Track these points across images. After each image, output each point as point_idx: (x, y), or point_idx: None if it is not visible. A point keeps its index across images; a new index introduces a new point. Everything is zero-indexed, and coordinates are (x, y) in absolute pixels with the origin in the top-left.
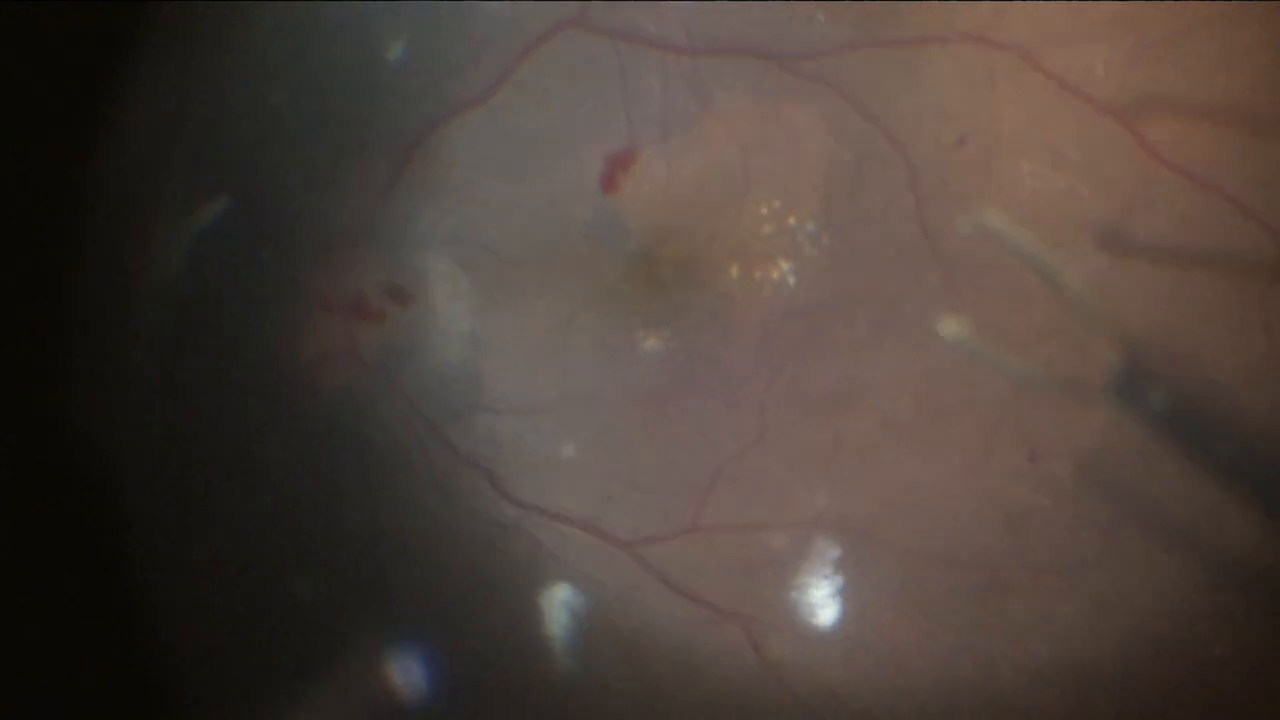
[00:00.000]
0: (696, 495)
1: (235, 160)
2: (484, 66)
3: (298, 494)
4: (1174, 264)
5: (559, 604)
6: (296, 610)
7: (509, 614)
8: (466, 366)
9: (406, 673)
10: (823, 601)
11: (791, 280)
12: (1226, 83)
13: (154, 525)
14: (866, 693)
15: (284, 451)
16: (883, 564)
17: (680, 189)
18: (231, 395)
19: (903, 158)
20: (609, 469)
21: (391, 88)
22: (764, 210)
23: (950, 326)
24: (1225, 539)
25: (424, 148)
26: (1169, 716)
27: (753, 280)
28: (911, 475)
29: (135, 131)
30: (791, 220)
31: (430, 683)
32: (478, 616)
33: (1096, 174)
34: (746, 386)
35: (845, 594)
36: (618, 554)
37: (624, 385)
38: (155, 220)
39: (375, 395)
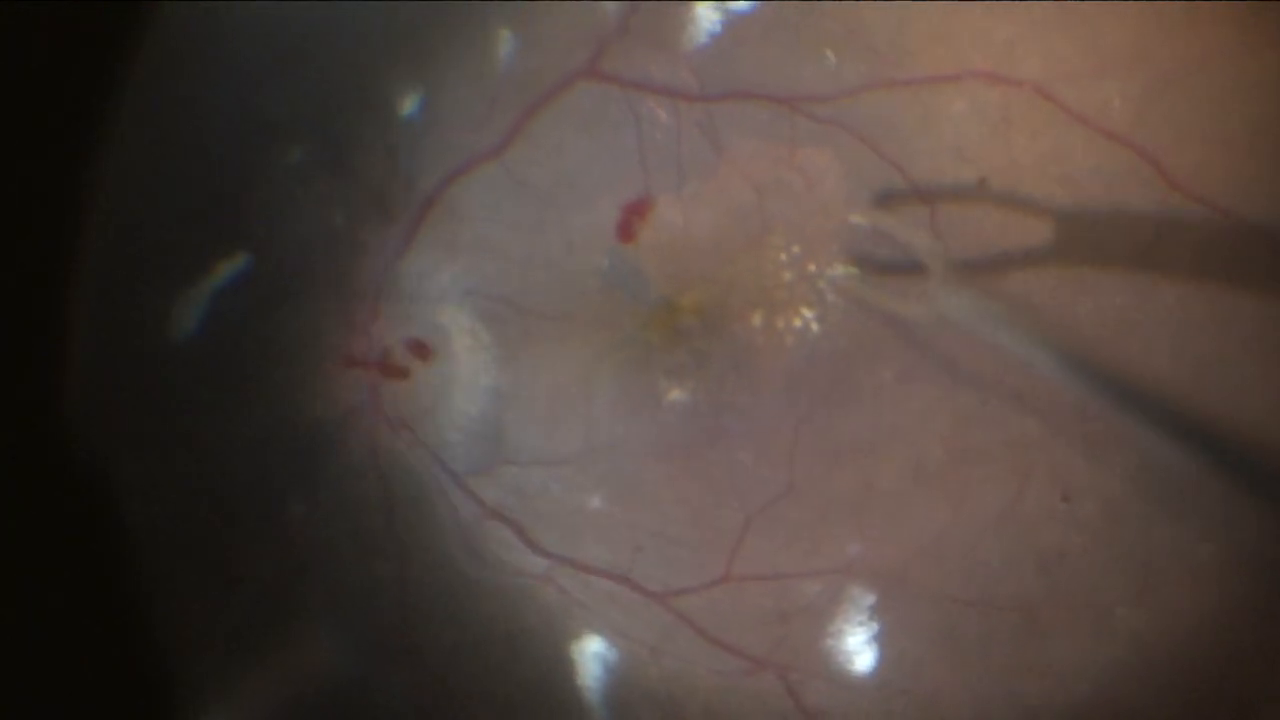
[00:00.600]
0: (727, 545)
1: (252, 218)
2: (497, 120)
3: (324, 549)
4: (1199, 294)
5: (591, 656)
6: (326, 667)
7: (540, 666)
8: (490, 419)
9: None
10: (858, 648)
11: (815, 327)
12: (1243, 111)
13: (178, 586)
14: None
15: (309, 508)
16: (918, 609)
17: (698, 236)
18: (255, 454)
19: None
20: (637, 520)
21: (406, 143)
22: (783, 257)
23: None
24: (1264, 573)
25: (440, 202)
26: None
27: (775, 328)
28: (944, 520)
29: (148, 189)
30: (812, 266)
31: None
32: (508, 669)
33: (1118, 208)
34: (774, 436)
35: (881, 640)
36: (649, 605)
37: (649, 436)
38: (173, 280)
39: (399, 450)
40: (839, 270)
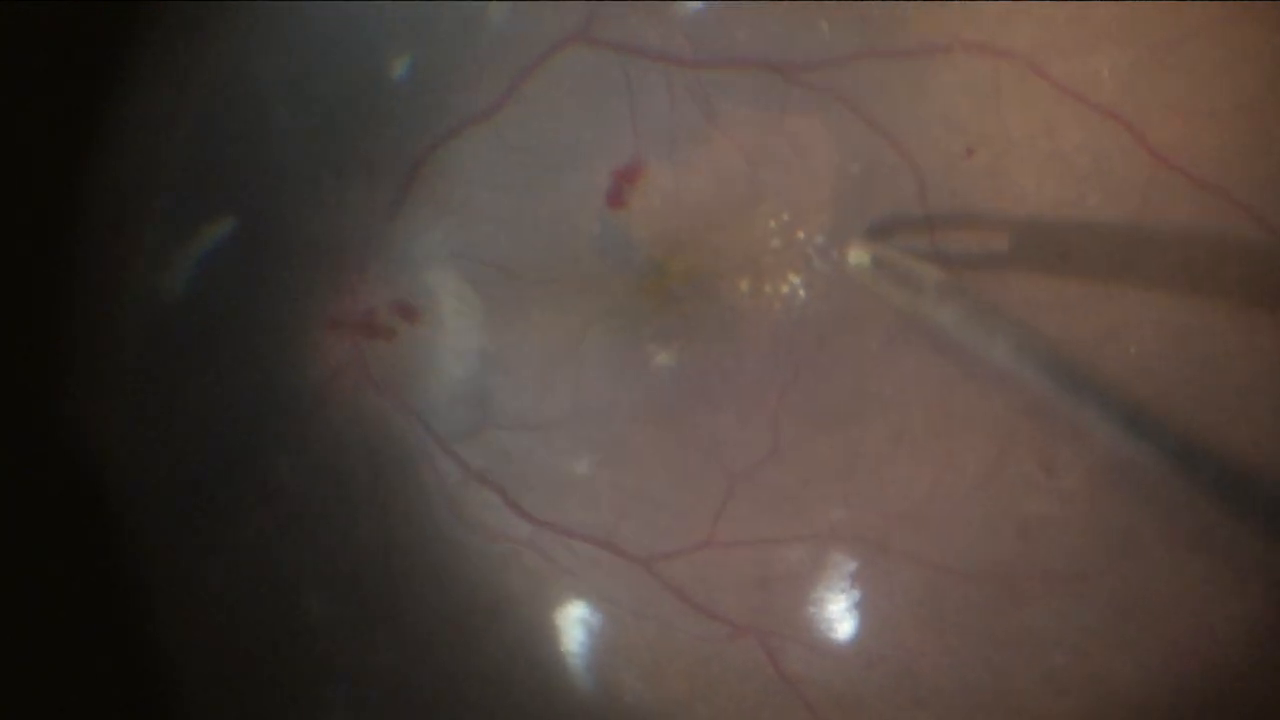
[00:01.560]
0: (711, 510)
1: (240, 179)
2: (488, 82)
3: (309, 513)
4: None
5: (574, 621)
6: (308, 628)
7: (523, 631)
8: (476, 383)
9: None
10: (839, 615)
11: (802, 294)
12: (1232, 85)
13: (163, 544)
14: (884, 705)
15: (294, 470)
16: (899, 576)
17: (688, 202)
18: (241, 415)
19: (910, 169)
20: (622, 484)
21: (396, 105)
22: (772, 223)
23: (856, 255)
24: (1242, 544)
25: (430, 164)
26: None
27: (763, 294)
28: (926, 487)
29: (134, 152)
30: (800, 234)
31: (443, 700)
32: (492, 633)
33: (1104, 180)
34: (759, 400)
35: (861, 607)
36: (633, 569)
37: (636, 400)
38: (159, 241)
39: (385, 413)
40: (853, 259)
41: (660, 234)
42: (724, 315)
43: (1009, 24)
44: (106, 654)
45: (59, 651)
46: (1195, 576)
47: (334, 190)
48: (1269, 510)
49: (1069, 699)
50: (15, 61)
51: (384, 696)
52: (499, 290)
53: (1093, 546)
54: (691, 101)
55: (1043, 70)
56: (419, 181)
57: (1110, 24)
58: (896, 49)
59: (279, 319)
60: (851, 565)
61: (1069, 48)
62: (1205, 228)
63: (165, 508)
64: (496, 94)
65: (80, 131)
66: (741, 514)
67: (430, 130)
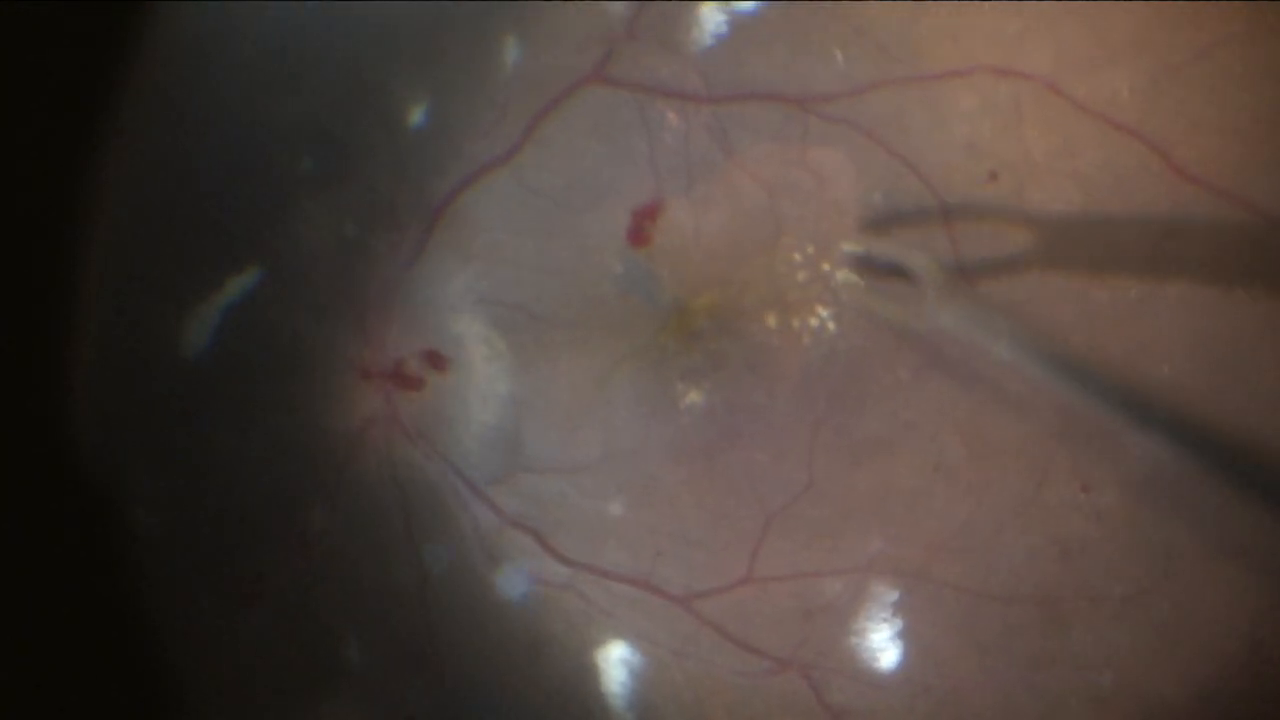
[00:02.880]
0: (748, 546)
1: (264, 229)
2: (506, 126)
3: (344, 562)
4: (1212, 283)
5: (614, 662)
6: (348, 675)
7: (563, 673)
8: (507, 428)
9: None
10: (882, 645)
11: (831, 327)
12: (1253, 100)
13: (200, 597)
14: None
15: (329, 521)
16: (940, 604)
17: (710, 238)
18: (271, 467)
19: (933, 195)
20: (657, 524)
21: (415, 152)
22: (797, 257)
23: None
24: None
25: (450, 210)
26: None
27: (791, 328)
28: (964, 514)
29: (156, 203)
30: (826, 266)
31: None
32: (532, 677)
33: (1129, 199)
34: (791, 435)
35: (904, 636)
36: (672, 609)
37: (667, 440)
38: (184, 293)
39: (417, 461)
40: (841, 278)
41: (683, 271)
42: (752, 351)
43: (1027, 46)
44: (142, 709)
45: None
46: (1241, 591)
47: (356, 239)
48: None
49: (1115, 718)
50: (35, 114)
51: None
52: (525, 335)
53: (1135, 565)
54: (709, 137)
55: (1063, 91)
56: (440, 228)
57: (1129, 42)
58: (914, 76)
59: (307, 369)
60: (892, 596)
61: (1088, 67)
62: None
63: (199, 562)
64: (514, 137)
65: (101, 181)
66: (779, 549)
67: (449, 176)
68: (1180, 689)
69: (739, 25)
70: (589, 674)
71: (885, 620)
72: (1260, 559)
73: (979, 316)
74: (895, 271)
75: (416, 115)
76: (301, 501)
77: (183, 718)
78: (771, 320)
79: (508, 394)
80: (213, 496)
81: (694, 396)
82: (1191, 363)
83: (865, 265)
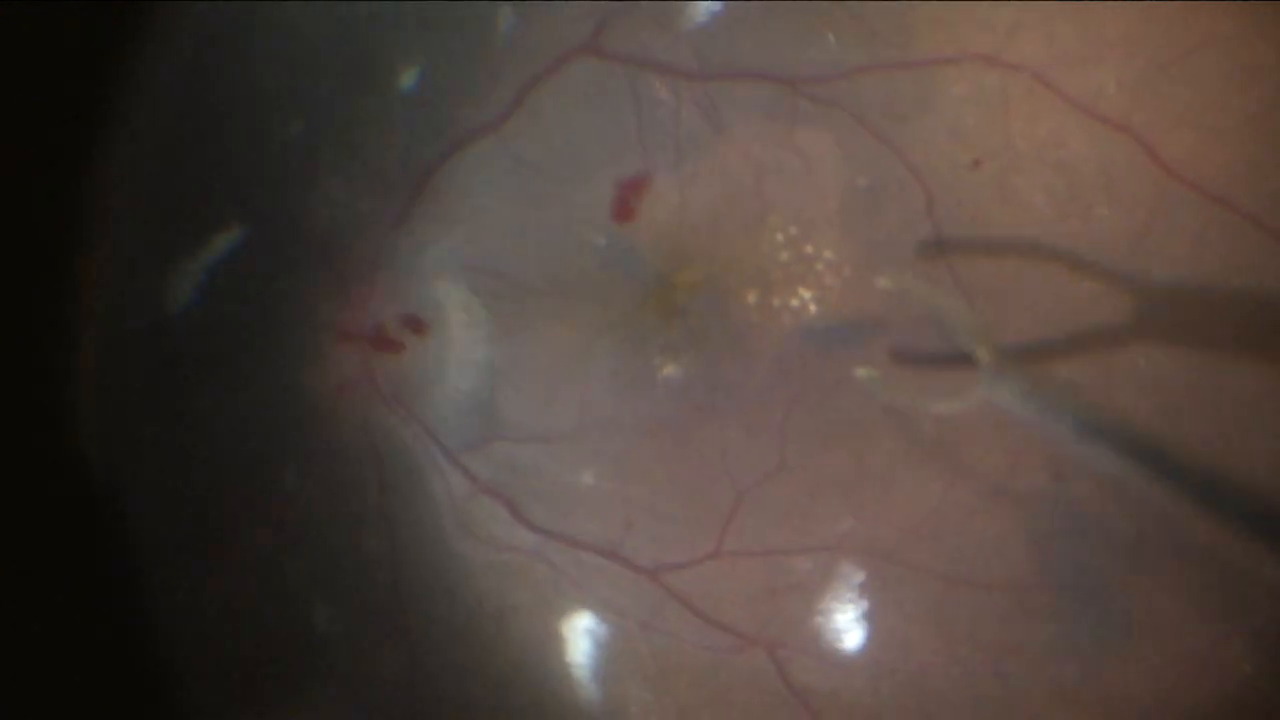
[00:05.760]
0: (718, 521)
1: (250, 189)
2: (497, 94)
3: (316, 524)
4: (1192, 280)
5: (580, 631)
6: (315, 638)
7: (530, 641)
8: (483, 395)
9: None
10: (848, 626)
11: (812, 309)
12: (1239, 99)
13: (170, 555)
14: (892, 717)
15: (303, 482)
16: (907, 587)
17: (695, 214)
18: (249, 426)
19: (918, 181)
20: (629, 496)
21: (405, 116)
22: (780, 237)
23: (862, 371)
24: (1252, 556)
25: (438, 176)
26: None
27: (771, 307)
28: (935, 498)
29: (146, 162)
30: (809, 248)
31: (448, 710)
32: (498, 643)
33: (1112, 193)
34: (766, 413)
35: (870, 618)
36: (640, 580)
37: (642, 412)
38: (169, 249)
39: (393, 425)
40: (862, 374)
41: (667, 246)
42: (731, 328)
43: (1017, 37)
44: (110, 663)
45: (63, 660)
46: (1205, 589)
47: (343, 201)
48: (1277, 524)
49: (1079, 711)
50: (22, 71)
51: (389, 707)
52: (506, 303)
53: (1103, 559)
54: (698, 114)
55: (1051, 83)
56: (427, 193)
57: (1118, 38)
58: (904, 61)
59: (287, 330)
60: (860, 576)
61: (1077, 61)
62: (1214, 239)
63: (171, 517)
64: (504, 105)
65: (90, 140)
66: (749, 526)
67: (438, 142)
68: (1143, 683)
69: (733, 4)
70: (555, 643)
71: (852, 601)
72: (1225, 559)
73: (1030, 390)
74: (939, 348)
75: (408, 80)
76: (276, 463)
77: (150, 678)
78: (752, 298)
79: (486, 361)
80: (188, 453)
81: (671, 370)
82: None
83: (904, 338)
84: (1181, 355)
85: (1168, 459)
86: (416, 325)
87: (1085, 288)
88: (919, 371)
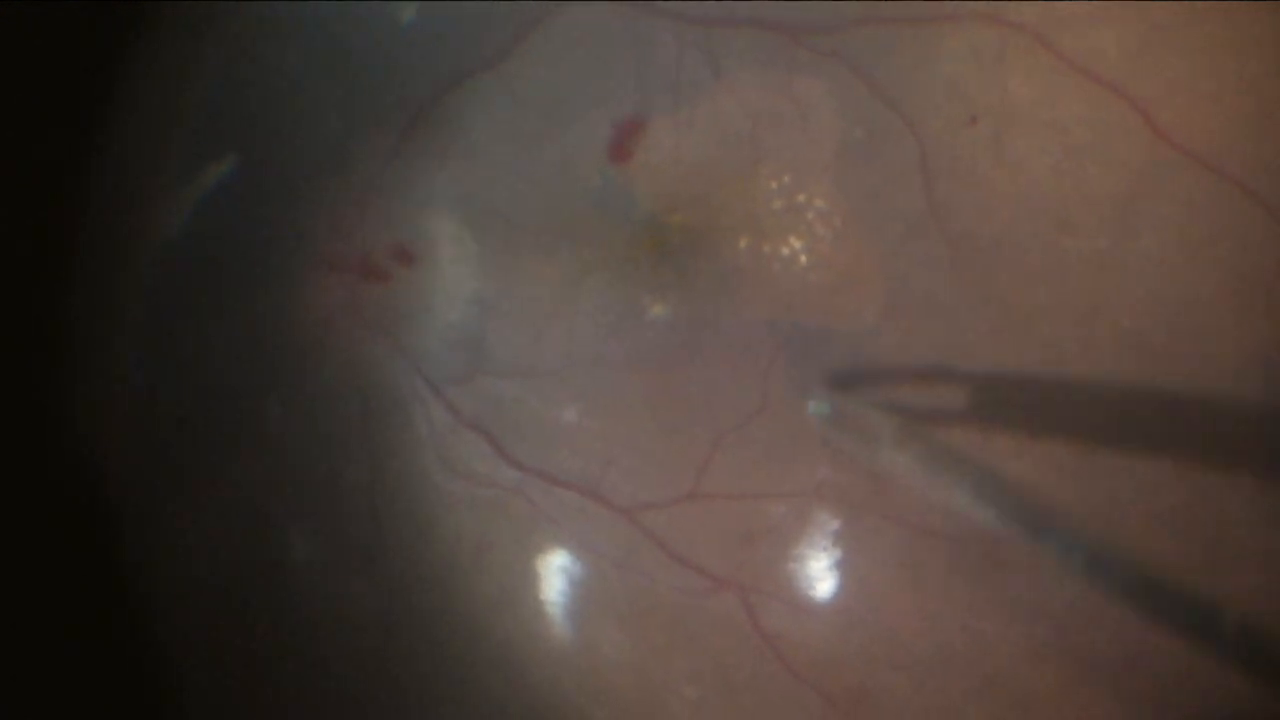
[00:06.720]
0: (697, 463)
1: (243, 121)
2: (496, 31)
3: (299, 455)
4: (1179, 245)
5: (556, 569)
6: (291, 567)
7: (506, 577)
8: (470, 329)
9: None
10: (820, 573)
11: (803, 259)
12: (1237, 67)
13: (151, 481)
14: (861, 666)
15: (285, 410)
16: (882, 538)
17: (690, 158)
18: (234, 354)
19: (913, 135)
20: (610, 434)
21: (403, 50)
22: (774, 185)
23: (815, 405)
24: (1226, 519)
25: (434, 111)
26: (1167, 700)
27: (761, 253)
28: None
29: (142, 90)
30: (801, 197)
31: (422, 644)
32: (474, 579)
33: (1105, 155)
34: (751, 358)
35: (843, 566)
36: (616, 519)
37: (628, 351)
38: (161, 179)
39: (378, 356)
40: (811, 407)
41: (660, 189)
42: (721, 272)
43: None
44: (91, 596)
45: (47, 601)
46: (1180, 555)
47: (338, 132)
48: (1255, 487)
49: (1048, 669)
50: (26, 4)
51: (364, 639)
52: (496, 238)
53: (1078, 518)
54: (699, 59)
55: (1049, 43)
56: (422, 127)
57: (1118, 1)
58: (905, 16)
59: (276, 259)
60: (835, 525)
61: (1077, 22)
62: (1203, 205)
63: (152, 442)
64: (504, 43)
65: (86, 68)
66: (727, 468)
67: (436, 77)
68: (1113, 646)
69: None
70: (530, 580)
71: (825, 549)
72: (1200, 523)
73: (927, 462)
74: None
75: (408, 13)
76: (261, 392)
77: (127, 613)
78: (743, 243)
79: (473, 295)
80: (174, 380)
81: (659, 310)
82: (1150, 320)
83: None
84: (1165, 318)
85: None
86: (405, 256)
87: (1072, 245)
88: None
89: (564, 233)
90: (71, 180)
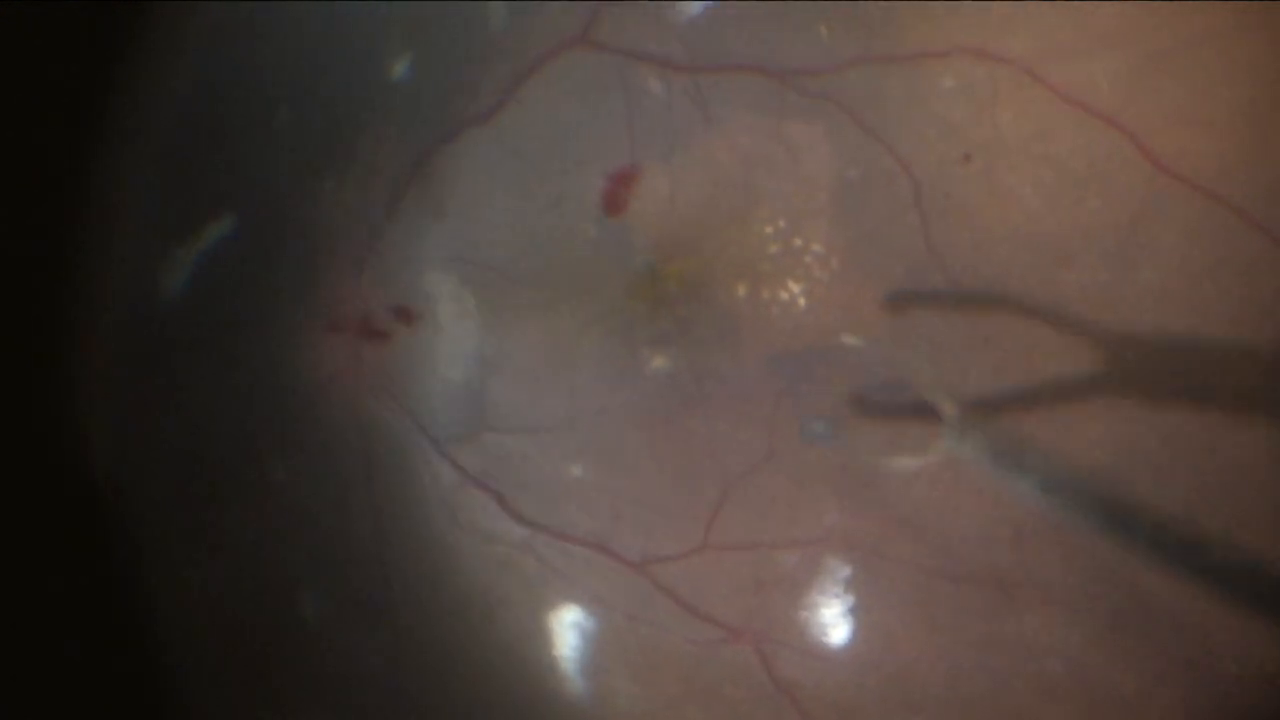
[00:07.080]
0: (705, 514)
1: (239, 179)
2: (488, 85)
3: (304, 514)
4: (1180, 275)
5: (567, 624)
6: (301, 627)
7: (516, 634)
8: (473, 386)
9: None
10: (833, 620)
11: (801, 302)
12: (1230, 94)
13: (160, 545)
14: (878, 710)
15: (291, 472)
16: (893, 581)
17: (685, 206)
18: (238, 416)
19: (907, 174)
20: (617, 488)
21: (396, 106)
22: (769, 230)
23: (819, 424)
24: (1238, 551)
25: (428, 166)
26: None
27: (760, 299)
28: (921, 492)
29: (137, 152)
30: (798, 241)
31: (434, 702)
32: (485, 635)
33: (1102, 186)
34: (754, 405)
35: (856, 612)
36: (627, 573)
37: (631, 404)
38: (159, 240)
39: (381, 415)
40: (818, 427)
41: (656, 238)
42: (720, 320)
43: (1007, 30)
44: (100, 651)
45: (54, 648)
46: (1191, 589)
47: (333, 190)
48: (1263, 520)
49: (1064, 706)
50: (18, 60)
51: (375, 697)
52: (495, 294)
53: (1089, 555)
54: (689, 106)
55: (1041, 76)
56: (417, 183)
57: (1109, 31)
58: (894, 55)
59: (276, 319)
60: (846, 570)
61: (1067, 54)
62: (1202, 233)
63: (160, 506)
64: (495, 97)
65: (83, 128)
66: (736, 518)
67: (429, 132)
68: (1128, 680)
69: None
70: (542, 635)
71: (838, 595)
72: (1211, 552)
73: (993, 445)
74: (901, 399)
75: (400, 70)
76: (264, 453)
77: (137, 665)
78: (741, 290)
79: (475, 352)
80: (177, 443)
81: (660, 362)
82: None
83: (867, 391)
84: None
85: (1147, 437)
86: (406, 315)
87: (1072, 278)
88: (880, 425)
89: (562, 286)
90: (69, 241)
